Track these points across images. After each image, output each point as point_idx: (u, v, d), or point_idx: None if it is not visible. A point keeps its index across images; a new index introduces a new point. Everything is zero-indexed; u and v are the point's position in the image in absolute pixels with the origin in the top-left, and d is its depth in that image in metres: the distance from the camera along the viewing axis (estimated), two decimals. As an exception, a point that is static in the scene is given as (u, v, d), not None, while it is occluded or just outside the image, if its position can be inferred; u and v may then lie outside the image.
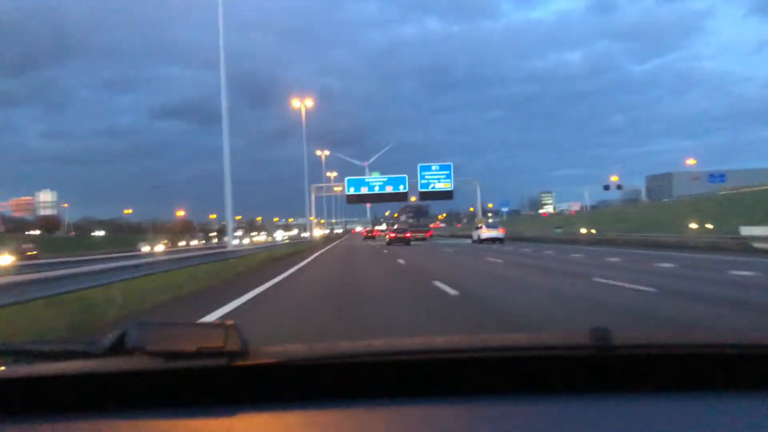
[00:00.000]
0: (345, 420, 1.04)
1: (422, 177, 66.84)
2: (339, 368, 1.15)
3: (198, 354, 1.06)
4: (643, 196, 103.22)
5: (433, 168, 67.16)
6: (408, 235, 47.04)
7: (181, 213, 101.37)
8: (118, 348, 1.10)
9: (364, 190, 67.74)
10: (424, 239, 56.70)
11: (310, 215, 71.24)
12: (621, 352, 1.17)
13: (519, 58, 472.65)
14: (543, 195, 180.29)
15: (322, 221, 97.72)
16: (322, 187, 72.29)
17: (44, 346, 1.32)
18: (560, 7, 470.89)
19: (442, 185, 66.92)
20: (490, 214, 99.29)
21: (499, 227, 46.72)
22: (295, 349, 1.22)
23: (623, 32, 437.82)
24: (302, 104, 60.61)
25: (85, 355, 1.17)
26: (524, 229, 70.72)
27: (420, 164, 67.16)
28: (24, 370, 1.19)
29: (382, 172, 68.47)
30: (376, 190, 67.34)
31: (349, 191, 67.94)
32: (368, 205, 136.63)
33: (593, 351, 1.15)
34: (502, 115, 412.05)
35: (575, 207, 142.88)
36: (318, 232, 75.55)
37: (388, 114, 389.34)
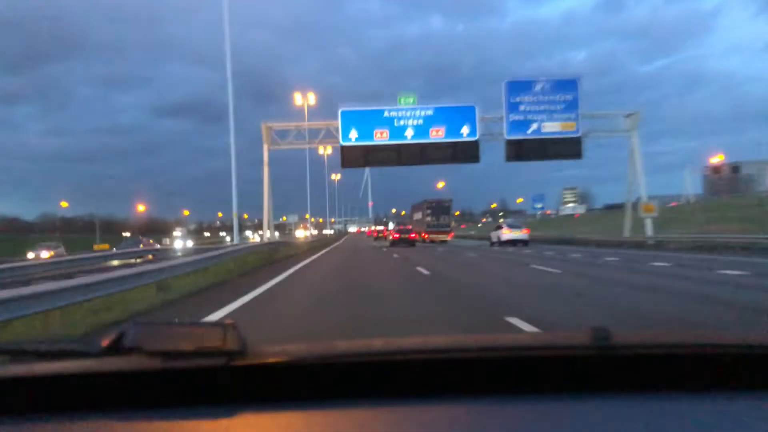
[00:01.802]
0: (344, 420, 1.04)
1: (512, 109, 30.36)
2: (338, 368, 1.15)
3: (196, 353, 1.06)
4: None
5: (537, 88, 30.49)
6: (413, 236, 39.17)
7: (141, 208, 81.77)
8: (115, 348, 1.09)
9: (380, 136, 30.85)
10: (444, 242, 46.05)
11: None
12: (621, 352, 1.17)
13: (524, 56, 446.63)
14: (566, 191, 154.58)
15: (320, 219, 65.65)
16: (287, 132, 33.73)
17: (41, 346, 1.26)
18: (567, 6, 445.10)
19: (555, 126, 30.34)
20: (501, 214, 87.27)
21: (522, 227, 36.99)
22: (295, 348, 1.22)
23: (630, 32, 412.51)
24: None
25: (83, 354, 1.16)
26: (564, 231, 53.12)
27: (507, 80, 30.67)
28: (21, 369, 1.16)
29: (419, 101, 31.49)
30: (409, 136, 30.65)
31: (347, 139, 31.10)
32: (370, 204, 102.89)
33: (593, 351, 1.15)
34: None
35: (580, 210, 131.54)
36: (301, 234, 53.61)
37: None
